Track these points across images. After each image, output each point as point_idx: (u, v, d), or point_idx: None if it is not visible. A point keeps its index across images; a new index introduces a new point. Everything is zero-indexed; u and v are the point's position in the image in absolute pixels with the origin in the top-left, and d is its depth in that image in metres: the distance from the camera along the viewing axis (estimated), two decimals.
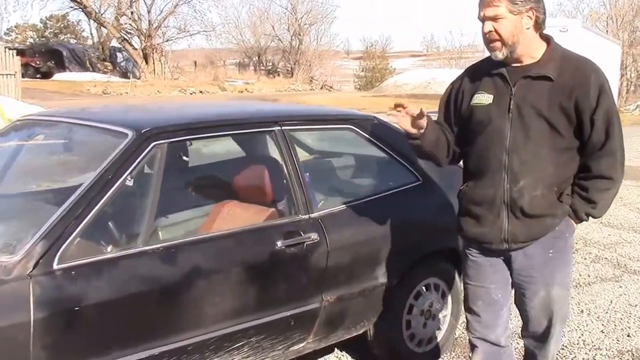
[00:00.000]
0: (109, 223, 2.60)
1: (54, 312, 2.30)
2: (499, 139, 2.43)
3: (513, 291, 2.63)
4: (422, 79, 33.96)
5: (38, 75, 33.59)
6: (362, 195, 3.35)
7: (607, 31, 30.49)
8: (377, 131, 3.47)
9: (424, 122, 2.51)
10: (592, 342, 3.81)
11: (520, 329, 2.72)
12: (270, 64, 47.55)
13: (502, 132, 2.42)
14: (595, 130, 2.36)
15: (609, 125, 2.36)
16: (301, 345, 3.07)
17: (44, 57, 36.18)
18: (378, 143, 3.45)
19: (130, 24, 36.08)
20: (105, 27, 36.90)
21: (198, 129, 2.91)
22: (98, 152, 2.75)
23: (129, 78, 32.82)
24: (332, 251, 3.04)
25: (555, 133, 2.38)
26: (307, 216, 3.04)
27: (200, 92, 31.94)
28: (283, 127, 3.12)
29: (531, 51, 2.42)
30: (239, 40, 45.95)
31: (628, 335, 3.90)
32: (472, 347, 2.72)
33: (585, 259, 5.42)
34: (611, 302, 4.44)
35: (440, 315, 3.58)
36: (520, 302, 2.60)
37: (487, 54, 2.54)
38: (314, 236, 2.99)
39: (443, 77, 33.69)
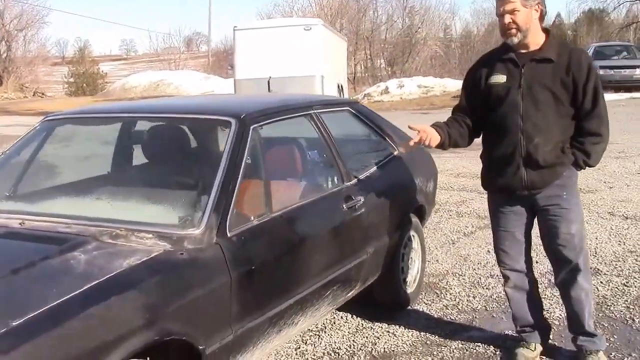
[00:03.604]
0: (244, 195, 2.88)
1: (242, 271, 2.63)
2: (514, 109, 3.09)
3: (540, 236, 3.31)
4: (151, 81, 33.82)
5: None
6: (369, 166, 3.94)
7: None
8: (364, 111, 4.15)
9: (435, 135, 3.23)
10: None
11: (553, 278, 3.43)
12: None
13: (516, 103, 3.08)
14: (586, 98, 3.04)
15: (596, 94, 3.04)
16: (353, 291, 3.61)
17: None
18: (366, 121, 4.09)
19: None
20: None
21: (276, 113, 3.35)
22: (210, 138, 3.03)
23: None
24: (370, 211, 3.61)
25: (559, 102, 3.05)
26: (350, 182, 3.57)
27: None
28: (315, 111, 3.62)
29: (536, 39, 3.09)
30: None
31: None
32: (505, 277, 3.42)
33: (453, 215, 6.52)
34: None
35: (418, 261, 4.31)
36: (549, 244, 3.22)
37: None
38: (362, 199, 3.53)
39: (172, 79, 34.07)
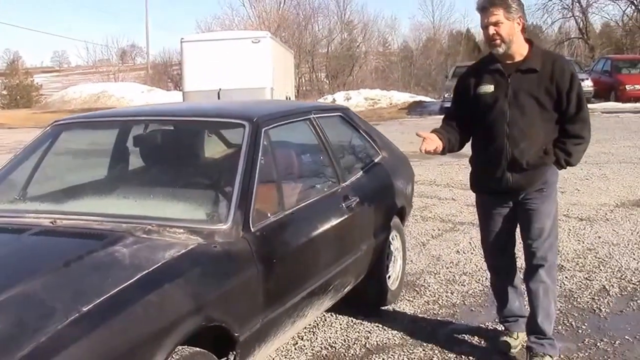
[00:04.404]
0: (260, 193, 3.06)
1: (266, 264, 2.82)
2: (501, 116, 3.29)
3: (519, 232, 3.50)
4: (91, 93, 33.36)
5: None
6: (359, 167, 4.19)
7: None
8: (353, 117, 4.39)
9: (439, 142, 3.39)
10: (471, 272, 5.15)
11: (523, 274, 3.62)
12: None
13: (503, 111, 3.28)
14: (570, 104, 3.25)
15: (580, 100, 3.27)
16: (349, 286, 3.83)
17: None
18: (355, 125, 4.36)
19: None
20: None
21: (282, 117, 3.57)
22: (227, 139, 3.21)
23: None
24: (363, 210, 3.84)
25: (543, 108, 3.26)
26: (345, 183, 3.80)
27: None
28: (314, 115, 3.85)
29: (520, 49, 3.30)
30: None
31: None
32: (491, 273, 3.70)
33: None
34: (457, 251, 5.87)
35: (400, 260, 4.57)
36: (523, 237, 3.42)
37: None
38: (357, 198, 3.77)
39: (113, 91, 33.67)
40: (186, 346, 2.33)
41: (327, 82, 38.10)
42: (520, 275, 3.71)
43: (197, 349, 2.37)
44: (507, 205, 3.46)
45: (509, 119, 3.29)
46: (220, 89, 18.22)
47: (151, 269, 2.34)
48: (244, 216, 2.82)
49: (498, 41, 3.25)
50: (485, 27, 3.30)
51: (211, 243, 2.64)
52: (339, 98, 25.46)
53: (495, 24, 3.24)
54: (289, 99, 22.64)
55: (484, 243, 3.66)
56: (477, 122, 3.43)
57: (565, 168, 3.43)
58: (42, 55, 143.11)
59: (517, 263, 3.70)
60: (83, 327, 2.02)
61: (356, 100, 25.13)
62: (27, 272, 2.34)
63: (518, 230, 3.54)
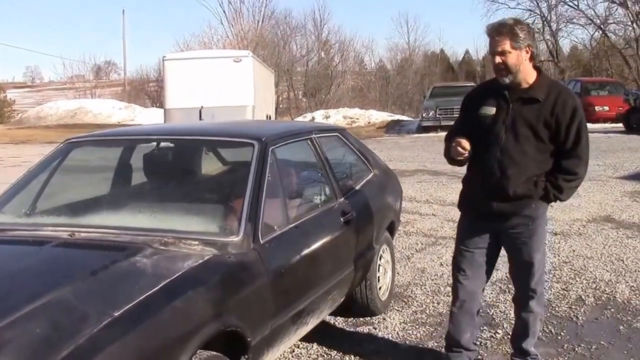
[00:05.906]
0: (267, 208, 3.27)
1: (274, 274, 3.04)
2: (496, 141, 3.26)
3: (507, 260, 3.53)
4: (68, 109, 33.25)
5: None
6: (354, 184, 4.44)
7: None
8: (349, 137, 4.66)
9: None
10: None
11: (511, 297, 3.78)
12: None
13: (499, 136, 3.25)
14: (568, 138, 3.20)
15: (579, 136, 3.21)
16: (343, 297, 4.04)
17: None
18: (350, 145, 4.62)
19: None
20: None
21: (287, 137, 3.81)
22: (235, 157, 3.42)
23: None
24: (358, 224, 4.07)
25: (538, 139, 3.21)
26: (342, 199, 4.03)
27: None
28: (315, 135, 4.10)
29: (527, 77, 3.24)
30: None
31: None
32: (454, 296, 3.56)
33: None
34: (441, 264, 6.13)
35: (389, 272, 4.81)
36: (512, 268, 3.48)
37: None
38: (353, 213, 4.00)
39: (90, 107, 33.60)
40: (204, 350, 2.51)
41: (305, 100, 38.48)
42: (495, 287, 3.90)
43: (214, 352, 2.56)
44: (488, 230, 3.44)
45: (502, 145, 3.27)
46: (202, 107, 18.39)
47: (173, 278, 2.54)
48: (254, 229, 3.02)
49: (504, 72, 3.22)
50: (491, 54, 3.26)
51: (225, 254, 2.85)
52: (318, 116, 25.80)
53: (502, 53, 3.19)
54: (269, 117, 22.86)
55: (455, 262, 3.58)
56: (474, 142, 3.37)
57: (554, 202, 3.40)
58: (14, 71, 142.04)
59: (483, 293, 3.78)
60: (116, 330, 2.20)
61: (335, 118, 25.49)
62: (57, 280, 2.52)
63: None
